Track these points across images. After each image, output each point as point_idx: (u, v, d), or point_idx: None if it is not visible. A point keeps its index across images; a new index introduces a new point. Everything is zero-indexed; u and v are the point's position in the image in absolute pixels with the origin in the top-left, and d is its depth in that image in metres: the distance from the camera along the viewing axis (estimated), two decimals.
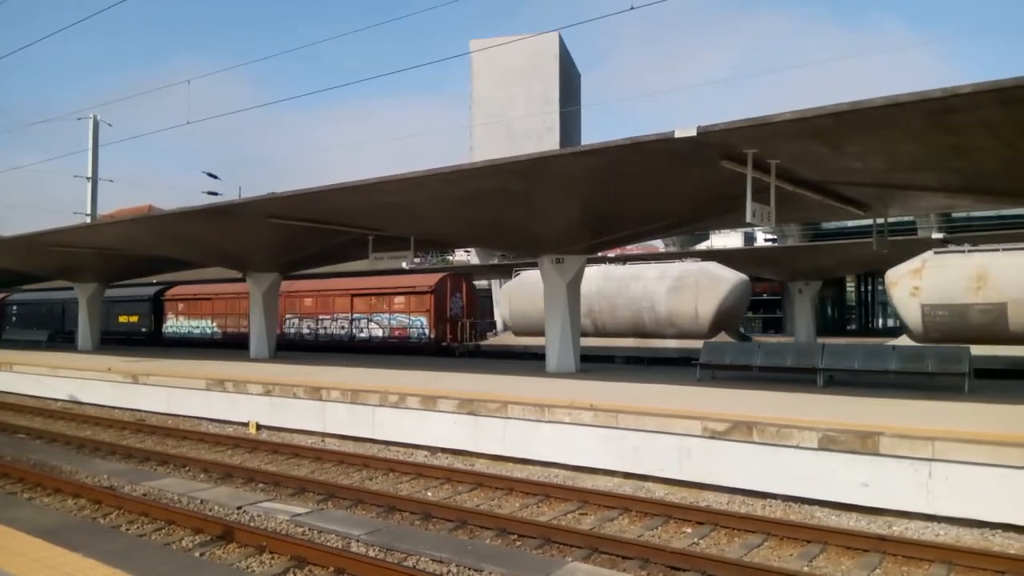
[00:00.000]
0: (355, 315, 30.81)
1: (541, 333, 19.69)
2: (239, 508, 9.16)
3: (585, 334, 21.42)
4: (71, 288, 33.31)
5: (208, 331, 35.89)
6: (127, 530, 8.56)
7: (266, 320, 24.76)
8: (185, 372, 18.93)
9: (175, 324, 37.45)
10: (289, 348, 29.64)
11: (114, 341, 37.40)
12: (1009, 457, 8.15)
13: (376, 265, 24.78)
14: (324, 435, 14.69)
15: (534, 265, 21.73)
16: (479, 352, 27.69)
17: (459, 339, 28.52)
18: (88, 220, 33.52)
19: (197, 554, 7.64)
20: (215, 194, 38.45)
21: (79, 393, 20.38)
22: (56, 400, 20.83)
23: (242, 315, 32.08)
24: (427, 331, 28.53)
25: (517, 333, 26.55)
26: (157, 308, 38.39)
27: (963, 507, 8.35)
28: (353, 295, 31.01)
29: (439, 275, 30.04)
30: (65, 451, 13.76)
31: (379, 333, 29.91)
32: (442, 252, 56.30)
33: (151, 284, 41.49)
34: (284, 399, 15.50)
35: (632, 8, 13.13)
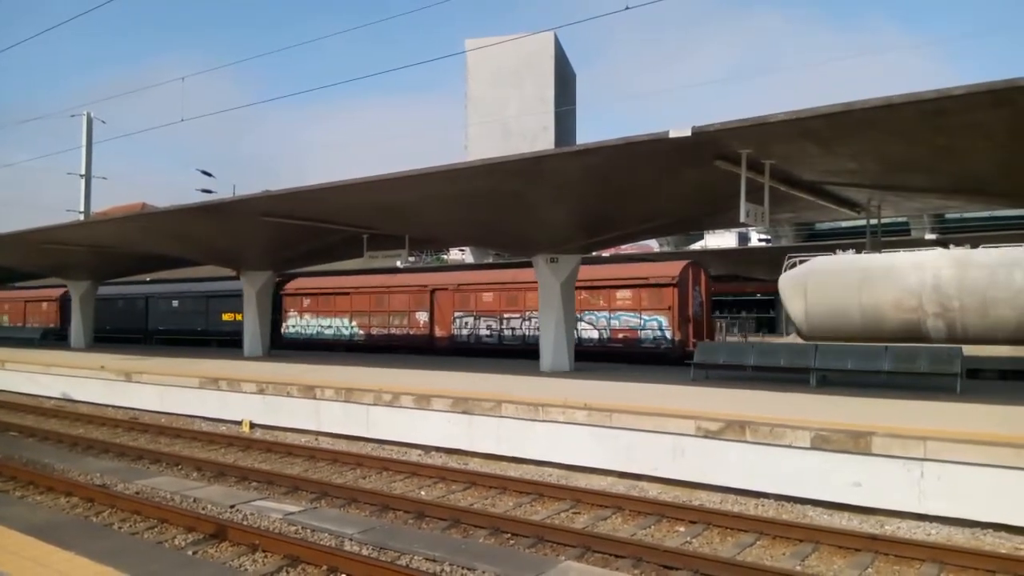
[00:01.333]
0: None
1: (857, 338, 16.09)
2: (232, 507, 9.15)
3: (927, 338, 16.30)
4: (157, 281, 32.60)
5: (345, 332, 29.76)
6: (120, 528, 8.54)
7: (259, 318, 24.73)
8: (178, 370, 18.89)
9: (299, 323, 31.17)
10: (465, 353, 24.81)
11: (217, 343, 32.34)
12: (1001, 457, 8.19)
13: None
14: (318, 434, 14.67)
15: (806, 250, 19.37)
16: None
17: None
18: (81, 217, 33.42)
19: (190, 552, 7.63)
20: (209, 192, 38.32)
21: (72, 391, 20.31)
22: (49, 398, 20.76)
23: (395, 312, 28.06)
24: (667, 334, 22.36)
25: (810, 336, 18.03)
26: (275, 303, 30.73)
27: (955, 507, 8.39)
28: None
29: (681, 263, 23.73)
30: (57, 449, 13.72)
31: (593, 335, 23.56)
32: (436, 251, 56.29)
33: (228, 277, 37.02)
34: (278, 398, 15.48)
35: (627, 8, 13.15)
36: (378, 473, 11.69)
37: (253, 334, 24.66)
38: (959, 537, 8.18)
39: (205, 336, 33.39)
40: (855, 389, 14.01)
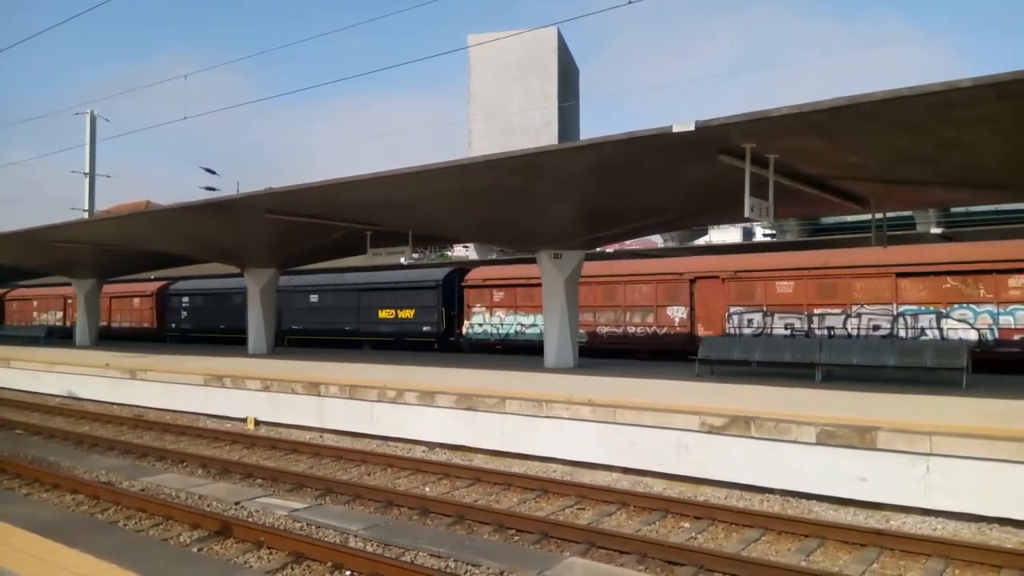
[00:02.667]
0: (902, 307, 18.40)
1: None
2: (237, 503, 9.16)
3: None
4: (288, 272, 29.32)
5: None
6: (125, 525, 8.55)
7: (264, 315, 24.77)
8: (183, 368, 18.92)
9: (488, 321, 25.63)
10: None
11: (371, 345, 27.98)
12: (1007, 451, 8.15)
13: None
14: (322, 431, 14.68)
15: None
16: None
17: None
18: (86, 216, 33.49)
19: (195, 549, 7.64)
20: (213, 189, 38.34)
21: (77, 389, 20.36)
22: (54, 396, 20.82)
23: (634, 308, 22.76)
24: None
25: None
26: (450, 297, 26.57)
27: (961, 501, 8.36)
28: (900, 274, 18.44)
29: None
30: (63, 447, 13.76)
31: (972, 336, 17.46)
32: (440, 247, 56.29)
33: (432, 264, 32.57)
34: (282, 395, 15.50)
35: (629, 2, 13.10)
36: (383, 469, 11.69)
37: (257, 331, 24.70)
38: (965, 532, 8.15)
39: (355, 337, 28.34)
40: (861, 384, 13.97)
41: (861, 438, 8.99)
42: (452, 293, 26.55)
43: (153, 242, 23.91)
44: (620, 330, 23.15)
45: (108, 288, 37.72)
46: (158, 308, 36.54)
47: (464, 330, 26.15)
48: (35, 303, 43.80)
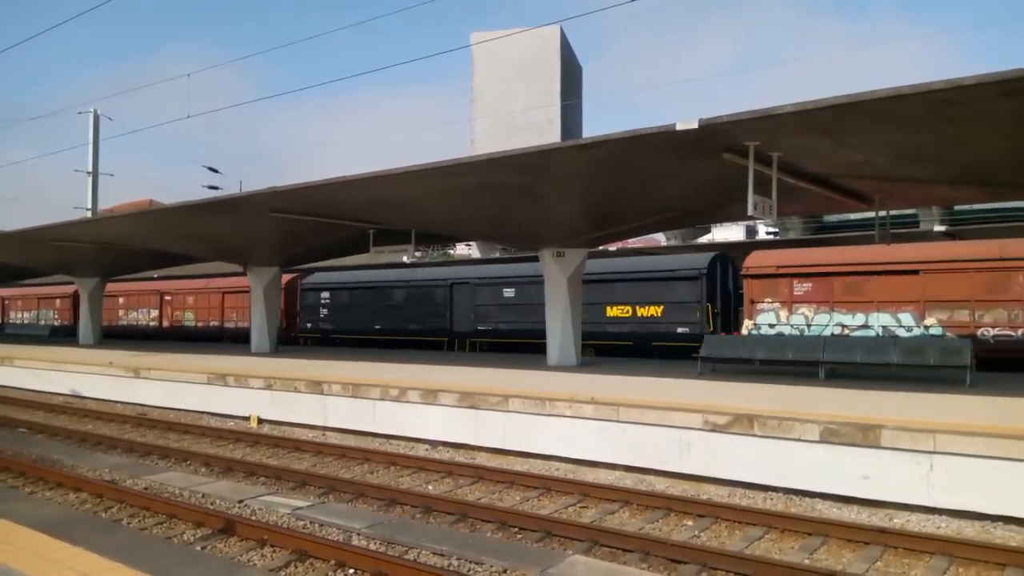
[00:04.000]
0: None
1: None
2: (240, 502, 9.18)
3: None
4: (461, 263, 28.04)
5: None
6: (128, 524, 8.57)
7: (267, 313, 24.81)
8: (186, 366, 18.94)
9: (782, 321, 19.76)
10: None
11: (597, 351, 21.53)
12: (1011, 450, 8.13)
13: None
14: (325, 429, 14.69)
15: None
16: None
17: None
18: (89, 215, 33.51)
19: (198, 547, 7.65)
20: (216, 188, 38.36)
21: (81, 388, 20.40)
22: (58, 395, 20.86)
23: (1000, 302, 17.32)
24: None
25: None
26: (714, 290, 21.36)
27: (964, 500, 8.34)
28: None
29: None
30: (66, 445, 13.78)
31: None
32: (443, 246, 56.32)
33: (688, 246, 28.06)
34: (285, 393, 15.51)
35: (632, 0, 13.08)
36: (385, 468, 11.70)
37: (260, 329, 24.75)
38: (969, 530, 8.13)
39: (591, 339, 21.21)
40: (864, 382, 13.95)
41: (864, 436, 8.98)
42: (717, 284, 21.38)
43: (156, 241, 23.95)
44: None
45: (223, 282, 34.28)
46: (287, 305, 30.91)
47: (745, 332, 19.88)
48: (121, 300, 39.41)
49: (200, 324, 35.45)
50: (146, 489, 9.98)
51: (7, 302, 48.32)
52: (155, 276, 38.76)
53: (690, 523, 8.66)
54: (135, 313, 39.19)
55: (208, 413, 16.90)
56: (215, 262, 28.94)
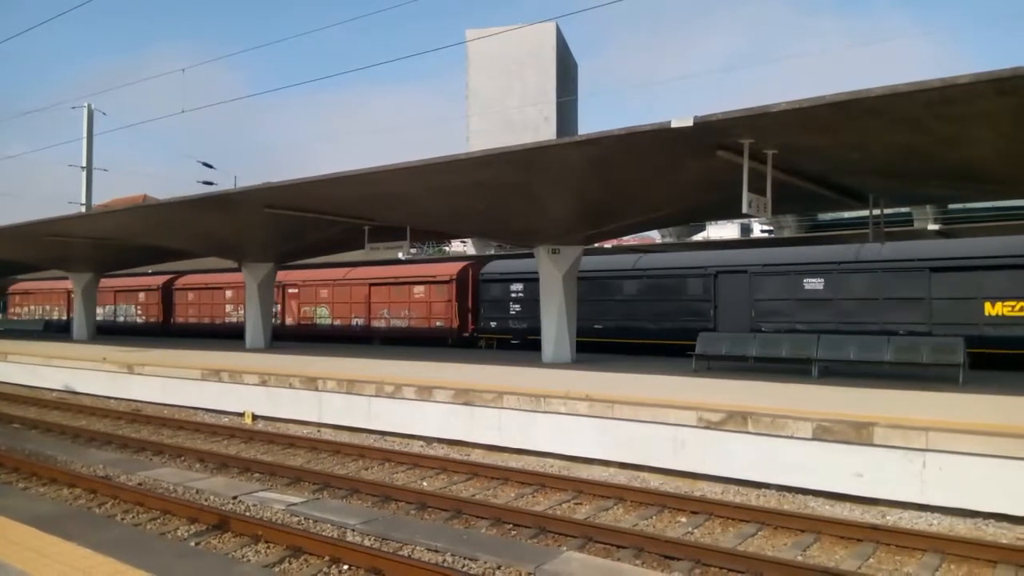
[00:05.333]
0: None
1: None
2: (234, 498, 9.17)
3: None
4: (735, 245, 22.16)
5: None
6: (122, 520, 8.56)
7: (261, 310, 24.77)
8: (180, 362, 18.90)
9: None
10: None
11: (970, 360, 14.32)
12: (1002, 447, 8.18)
13: None
14: (320, 425, 14.69)
15: None
16: None
17: None
18: (83, 210, 33.40)
19: (192, 543, 7.64)
20: (210, 183, 38.25)
21: (74, 383, 20.34)
22: (51, 390, 20.80)
23: None
24: None
25: None
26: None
27: (956, 497, 8.39)
28: None
29: None
30: (60, 441, 13.75)
31: None
32: (438, 242, 56.28)
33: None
34: (280, 389, 15.49)
35: None
36: (380, 464, 11.70)
37: (255, 325, 24.72)
38: (961, 527, 8.17)
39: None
40: (857, 380, 13.99)
41: (857, 434, 9.01)
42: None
43: (151, 237, 23.87)
44: None
45: (368, 272, 28.71)
46: (459, 300, 25.81)
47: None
48: (228, 293, 33.99)
49: (339, 322, 29.24)
50: (140, 485, 9.96)
51: (72, 296, 42.24)
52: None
53: (684, 520, 8.69)
54: (231, 307, 33.23)
55: (202, 409, 16.88)
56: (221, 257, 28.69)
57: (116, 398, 18.94)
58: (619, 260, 23.83)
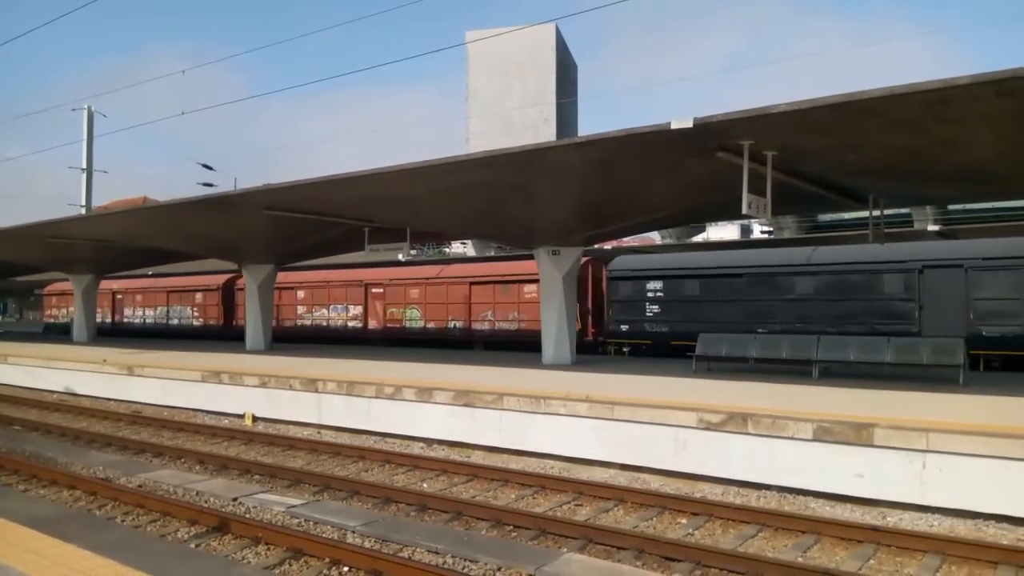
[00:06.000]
0: None
1: None
2: (235, 499, 9.16)
3: None
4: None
5: None
6: (122, 521, 8.55)
7: (262, 311, 24.78)
8: (180, 364, 18.90)
9: None
10: None
11: None
12: (1003, 448, 8.17)
13: None
14: (320, 427, 14.68)
15: None
16: None
17: None
18: (83, 211, 33.41)
19: (192, 545, 7.63)
20: (210, 185, 38.24)
21: (75, 385, 20.34)
22: (52, 392, 20.79)
23: None
24: None
25: None
26: None
27: (957, 498, 8.38)
28: None
29: None
30: (60, 443, 13.74)
31: None
32: (438, 244, 56.28)
33: None
34: (280, 391, 15.49)
35: None
36: (380, 466, 11.69)
37: (255, 327, 24.73)
38: (961, 528, 8.17)
39: None
40: (857, 381, 13.99)
41: (858, 435, 9.01)
42: None
43: (151, 238, 23.89)
44: None
45: (469, 269, 26.20)
46: (582, 299, 22.32)
47: None
48: (300, 294, 30.92)
49: (432, 325, 26.41)
50: (140, 487, 9.96)
51: (119, 297, 39.16)
52: (342, 263, 28.82)
53: (684, 521, 8.68)
54: (325, 311, 30.03)
55: (203, 411, 16.88)
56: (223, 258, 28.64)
57: (116, 400, 18.93)
58: (786, 254, 20.81)
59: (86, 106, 34.31)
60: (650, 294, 21.70)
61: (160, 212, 21.17)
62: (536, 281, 21.19)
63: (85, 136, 34.27)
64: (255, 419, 15.72)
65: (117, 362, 19.80)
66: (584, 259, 22.15)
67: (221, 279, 34.00)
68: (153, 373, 18.40)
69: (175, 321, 35.74)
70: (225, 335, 31.83)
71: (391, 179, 14.12)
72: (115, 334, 36.53)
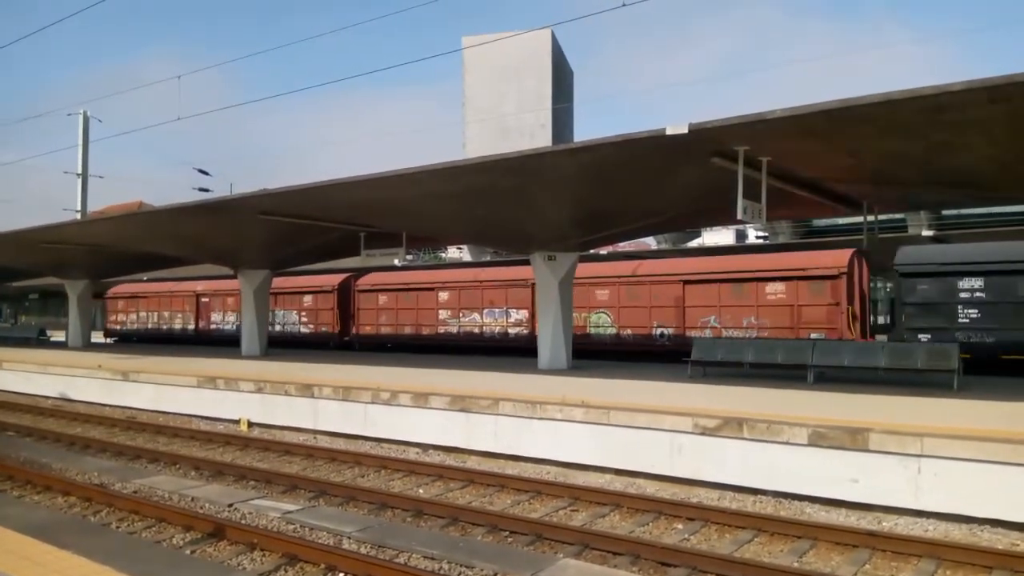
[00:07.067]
0: None
1: None
2: (230, 506, 9.14)
3: None
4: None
5: None
6: (117, 528, 8.53)
7: (257, 317, 24.73)
8: (176, 369, 18.85)
9: None
10: None
11: None
12: (997, 453, 8.20)
13: None
14: (316, 432, 14.65)
15: None
16: None
17: None
18: (78, 217, 33.37)
19: (188, 552, 7.62)
20: (206, 190, 38.24)
21: (69, 390, 20.27)
22: (46, 397, 20.72)
23: None
24: None
25: None
26: None
27: (952, 503, 8.40)
28: None
29: None
30: (55, 448, 13.69)
31: None
32: (434, 249, 56.27)
33: None
34: (275, 396, 15.46)
35: (624, 4, 13.14)
36: (376, 471, 11.67)
37: (251, 333, 24.69)
38: (956, 533, 8.19)
39: None
40: (852, 385, 14.03)
41: (853, 439, 9.03)
42: None
43: (146, 243, 23.84)
44: None
45: (674, 267, 22.30)
46: (847, 299, 19.10)
47: None
48: (443, 296, 26.72)
49: (628, 332, 22.61)
50: (135, 493, 9.92)
51: (204, 300, 34.26)
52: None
53: (680, 526, 8.69)
54: (478, 315, 25.71)
55: (198, 416, 16.83)
56: (205, 263, 28.70)
57: (111, 405, 18.87)
58: (1017, 248, 16.54)
59: (82, 111, 34.32)
60: (963, 295, 16.69)
61: (155, 217, 21.13)
62: (783, 278, 19.16)
63: (81, 141, 34.26)
64: (251, 425, 15.68)
65: (112, 367, 19.73)
66: (852, 250, 19.12)
67: (336, 279, 29.76)
68: (148, 379, 18.34)
69: (278, 327, 30.72)
70: (342, 346, 28.77)
71: (387, 184, 14.14)
72: (200, 343, 32.40)
